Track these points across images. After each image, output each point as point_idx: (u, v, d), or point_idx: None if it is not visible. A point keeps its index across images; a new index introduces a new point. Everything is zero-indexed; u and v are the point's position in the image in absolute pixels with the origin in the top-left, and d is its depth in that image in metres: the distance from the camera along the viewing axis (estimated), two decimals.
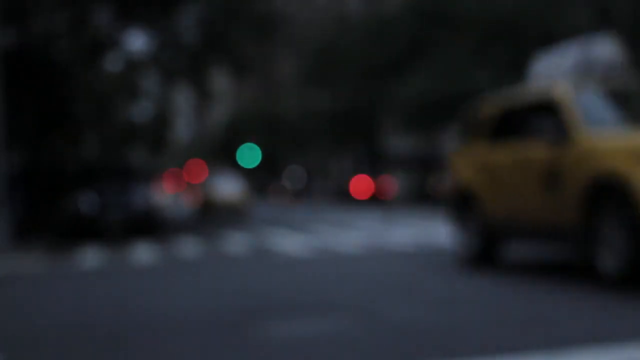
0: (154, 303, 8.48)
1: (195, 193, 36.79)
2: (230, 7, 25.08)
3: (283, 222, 25.45)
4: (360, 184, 45.24)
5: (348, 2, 57.04)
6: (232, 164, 71.27)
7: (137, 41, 29.93)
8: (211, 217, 31.59)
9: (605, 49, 9.64)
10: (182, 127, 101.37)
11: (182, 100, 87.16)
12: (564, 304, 7.19)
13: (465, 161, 11.05)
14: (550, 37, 33.24)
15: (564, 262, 10.71)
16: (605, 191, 7.86)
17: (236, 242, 17.06)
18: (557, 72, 9.97)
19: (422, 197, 40.63)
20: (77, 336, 6.62)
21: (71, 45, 24.59)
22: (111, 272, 12.48)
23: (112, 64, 31.43)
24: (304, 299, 8.20)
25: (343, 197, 47.70)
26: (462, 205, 10.96)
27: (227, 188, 33.23)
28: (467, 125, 11.73)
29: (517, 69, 33.50)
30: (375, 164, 49.18)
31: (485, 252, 10.48)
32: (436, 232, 17.39)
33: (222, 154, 72.57)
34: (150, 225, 20.34)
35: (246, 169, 69.08)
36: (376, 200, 43.39)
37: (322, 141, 53.13)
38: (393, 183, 44.39)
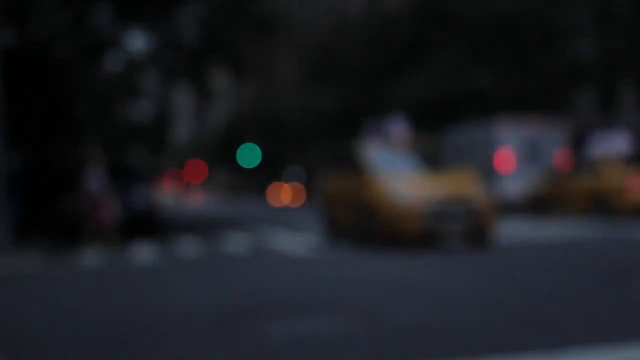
0: (154, 303, 8.48)
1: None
2: (230, 7, 25.08)
3: (283, 222, 25.44)
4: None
5: (348, 2, 57.02)
6: (232, 164, 71.29)
7: (137, 41, 29.93)
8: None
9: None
10: (182, 127, 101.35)
11: (182, 100, 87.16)
12: (564, 303, 7.19)
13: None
14: (550, 37, 33.25)
15: (565, 262, 10.71)
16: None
17: (236, 242, 17.06)
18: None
19: None
20: (77, 336, 6.62)
21: (71, 45, 24.58)
22: (111, 272, 12.48)
23: (112, 64, 31.41)
24: (304, 299, 8.19)
25: None
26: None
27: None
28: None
29: (516, 69, 33.51)
30: None
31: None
32: None
33: (222, 154, 72.57)
34: (150, 225, 20.35)
35: (246, 168, 69.10)
36: None
37: (322, 141, 53.10)
38: None
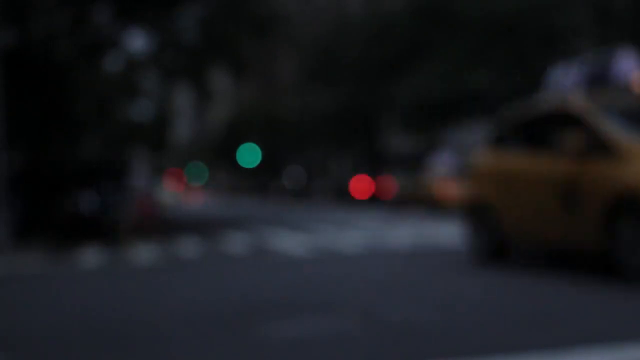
0: (154, 303, 8.48)
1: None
2: (230, 7, 25.08)
3: (283, 222, 25.41)
4: (360, 184, 45.15)
5: (348, 2, 57.03)
6: (232, 163, 71.30)
7: (137, 41, 29.92)
8: None
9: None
10: (182, 127, 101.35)
11: (182, 100, 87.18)
12: (564, 304, 7.18)
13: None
14: (550, 37, 33.25)
15: (566, 263, 10.70)
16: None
17: (236, 242, 17.05)
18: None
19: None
20: (77, 336, 6.62)
21: (71, 45, 24.59)
22: (111, 272, 12.48)
23: (112, 64, 31.42)
24: (303, 299, 8.19)
25: (343, 197, 47.66)
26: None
27: None
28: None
29: (516, 69, 33.51)
30: (375, 164, 49.17)
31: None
32: (436, 232, 17.37)
33: (222, 154, 72.57)
34: (153, 225, 20.36)
35: (246, 168, 69.11)
36: (376, 200, 43.36)
37: (322, 141, 53.10)
38: (393, 183, 44.38)
